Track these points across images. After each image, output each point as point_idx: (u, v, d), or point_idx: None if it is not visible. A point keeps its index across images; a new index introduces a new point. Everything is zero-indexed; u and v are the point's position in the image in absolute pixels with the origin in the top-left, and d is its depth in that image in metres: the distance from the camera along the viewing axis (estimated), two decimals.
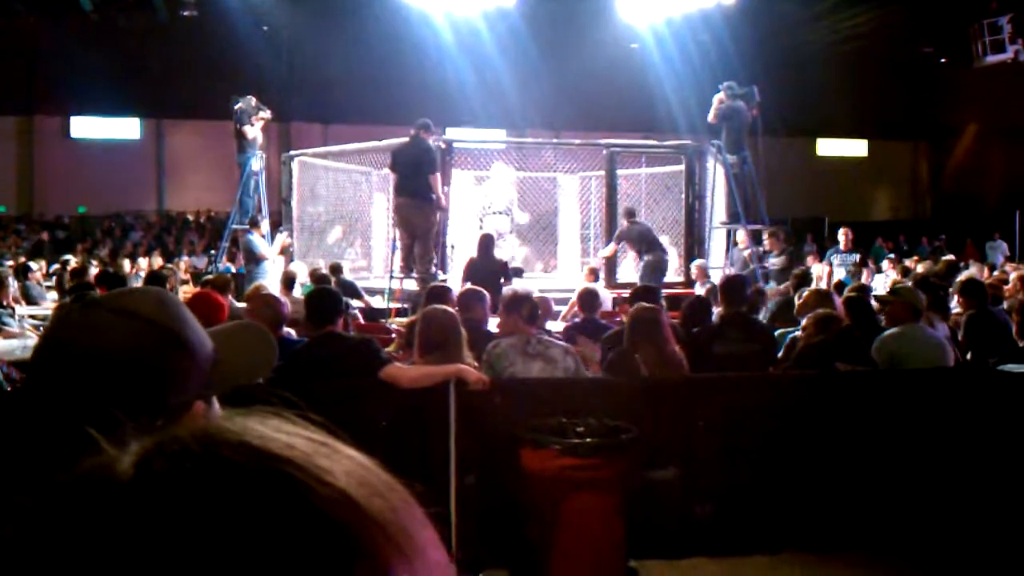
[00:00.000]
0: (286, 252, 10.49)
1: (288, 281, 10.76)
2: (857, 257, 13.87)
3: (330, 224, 15.21)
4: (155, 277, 9.59)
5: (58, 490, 0.52)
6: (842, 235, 14.03)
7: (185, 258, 19.63)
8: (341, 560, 0.50)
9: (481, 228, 13.17)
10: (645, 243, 12.81)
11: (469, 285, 8.38)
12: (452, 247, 12.86)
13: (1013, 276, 11.67)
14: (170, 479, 0.51)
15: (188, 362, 1.31)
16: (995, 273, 14.34)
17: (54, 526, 0.50)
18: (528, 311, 6.26)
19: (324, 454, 0.55)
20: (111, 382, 1.24)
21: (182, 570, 0.47)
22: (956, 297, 8.66)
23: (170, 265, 16.16)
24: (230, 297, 9.05)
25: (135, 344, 1.27)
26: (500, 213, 14.51)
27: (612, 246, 13.22)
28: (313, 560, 0.49)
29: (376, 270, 14.67)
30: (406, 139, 11.88)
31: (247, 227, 13.59)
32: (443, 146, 12.60)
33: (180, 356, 1.30)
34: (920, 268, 14.42)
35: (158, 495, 0.50)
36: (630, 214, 13.24)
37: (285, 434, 0.55)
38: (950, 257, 14.84)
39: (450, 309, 6.26)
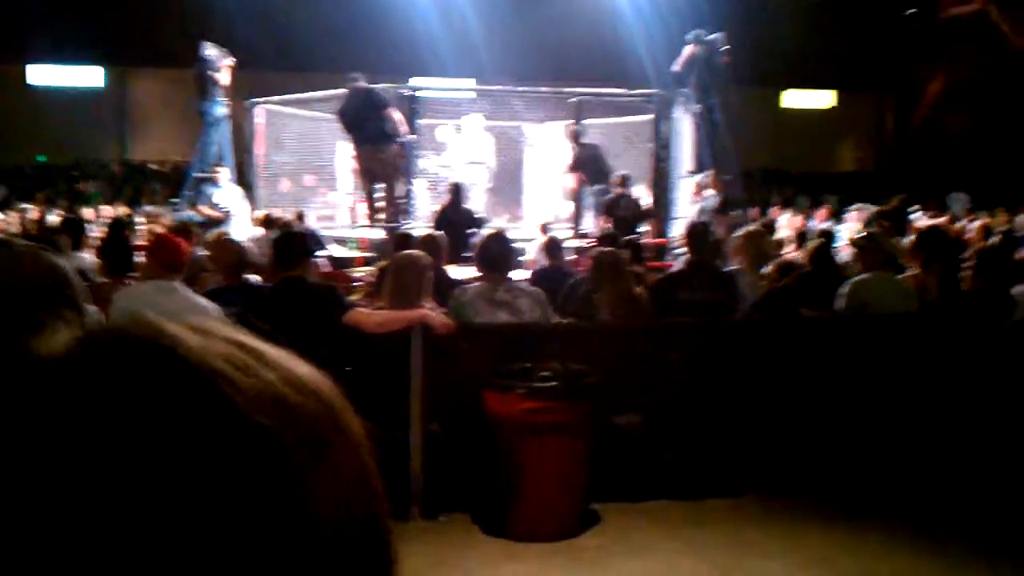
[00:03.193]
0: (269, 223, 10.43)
1: (268, 221, 10.72)
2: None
3: (294, 173, 15.08)
4: (117, 224, 9.49)
5: None
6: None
7: (151, 207, 19.38)
8: (250, 455, 0.49)
9: (456, 178, 13.12)
10: (597, 168, 12.87)
11: (431, 232, 8.37)
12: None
13: (975, 225, 11.79)
14: (75, 362, 0.51)
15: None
16: (958, 224, 14.48)
17: None
18: (495, 256, 6.26)
19: (244, 355, 0.54)
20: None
21: (61, 444, 0.48)
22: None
23: (150, 210, 15.97)
24: (194, 245, 9.00)
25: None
26: (476, 163, 14.45)
27: (571, 179, 13.29)
28: (205, 456, 0.48)
29: (341, 219, 14.58)
30: (346, 93, 11.82)
31: (209, 175, 13.42)
32: (409, 94, 12.51)
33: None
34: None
35: (60, 376, 0.50)
36: (576, 136, 13.26)
37: (210, 335, 0.54)
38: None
39: (421, 254, 6.24)
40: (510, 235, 7.12)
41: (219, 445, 0.49)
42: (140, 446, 0.48)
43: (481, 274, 6.33)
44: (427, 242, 7.46)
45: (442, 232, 7.67)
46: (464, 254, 8.92)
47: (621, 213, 11.58)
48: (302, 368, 0.56)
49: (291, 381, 0.54)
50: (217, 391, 0.50)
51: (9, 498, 0.48)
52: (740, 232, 8.25)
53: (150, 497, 0.47)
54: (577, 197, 13.71)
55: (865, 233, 7.51)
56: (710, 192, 12.82)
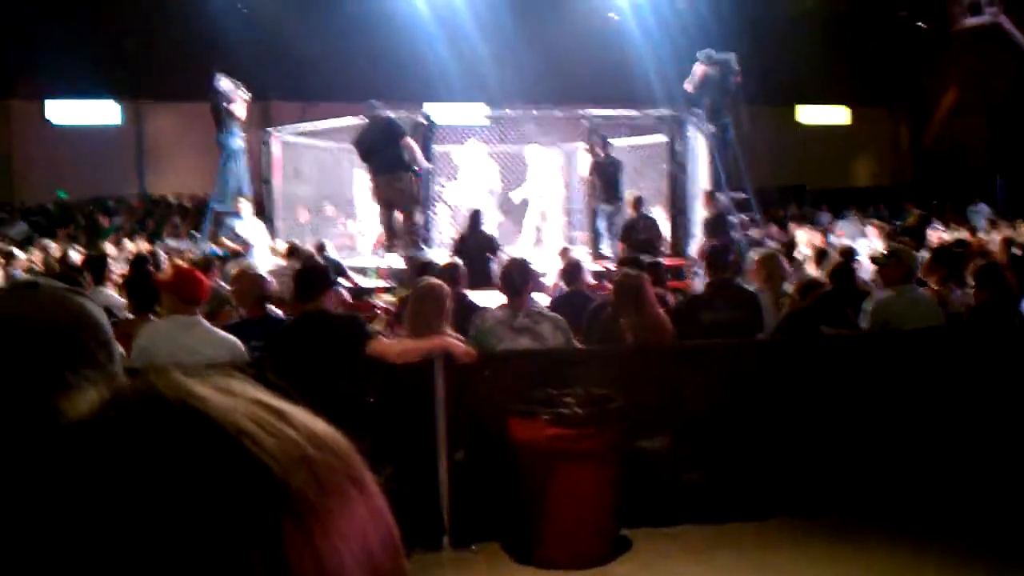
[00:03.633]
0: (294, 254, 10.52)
1: (291, 250, 10.80)
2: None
3: (313, 203, 15.15)
4: (140, 259, 9.54)
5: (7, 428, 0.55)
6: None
7: (173, 241, 19.45)
8: (265, 511, 0.51)
9: (470, 205, 13.16)
10: (609, 182, 12.93)
11: (453, 259, 8.38)
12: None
13: (997, 238, 11.73)
14: (107, 426, 0.53)
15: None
16: (979, 235, 14.41)
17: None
18: (516, 282, 6.27)
19: (265, 414, 0.56)
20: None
21: (97, 506, 0.49)
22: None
23: (171, 244, 16.04)
24: (216, 279, 9.05)
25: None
26: (484, 191, 14.50)
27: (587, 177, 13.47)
28: (236, 509, 0.50)
29: (360, 248, 14.63)
30: (362, 123, 11.88)
31: (230, 209, 13.51)
32: (424, 122, 12.56)
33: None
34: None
35: (93, 440, 0.52)
36: (602, 145, 13.53)
37: (233, 394, 0.57)
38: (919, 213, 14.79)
39: (441, 283, 6.26)
40: (528, 259, 7.16)
41: (248, 503, 0.51)
42: (173, 507, 0.50)
43: (504, 299, 6.34)
44: (448, 270, 7.48)
45: (459, 260, 7.67)
46: (484, 279, 8.93)
47: (639, 236, 11.58)
48: (319, 425, 0.59)
49: (311, 438, 0.56)
50: (245, 451, 0.53)
51: (48, 561, 0.49)
52: (755, 256, 8.26)
53: (184, 556, 0.49)
54: (592, 219, 13.75)
55: (886, 250, 7.47)
56: (744, 215, 12.91)
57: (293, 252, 10.77)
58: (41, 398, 0.56)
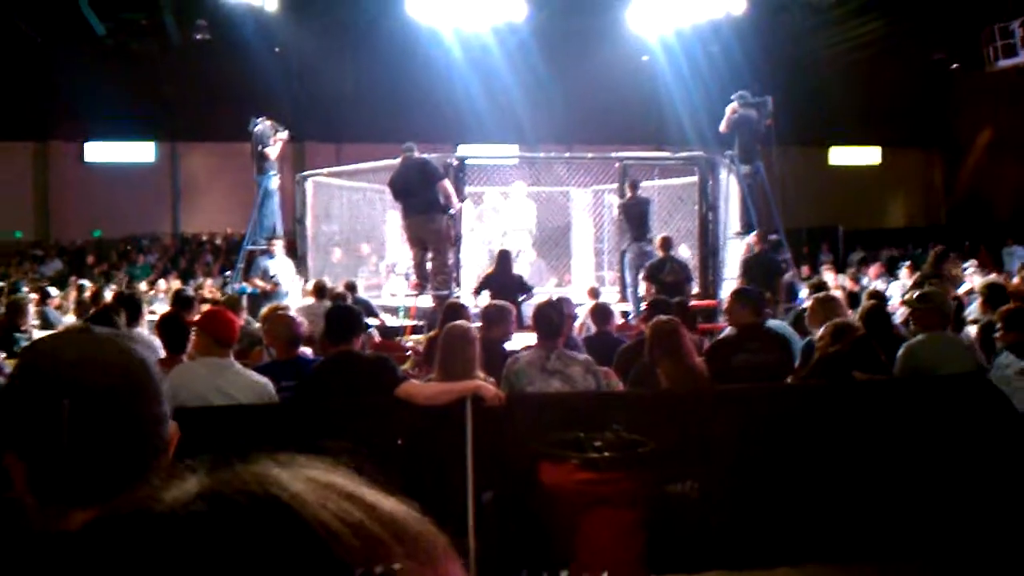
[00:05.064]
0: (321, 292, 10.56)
1: (319, 289, 10.87)
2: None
3: (345, 243, 15.27)
4: (180, 298, 9.60)
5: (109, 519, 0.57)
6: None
7: (209, 280, 19.63)
8: None
9: (502, 244, 13.20)
10: (640, 222, 12.96)
11: (494, 301, 8.36)
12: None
13: None
14: (205, 520, 0.55)
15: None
16: (1014, 280, 14.26)
17: (95, 551, 0.55)
18: (554, 323, 6.28)
19: (354, 509, 0.58)
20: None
21: None
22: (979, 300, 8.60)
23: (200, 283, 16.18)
24: (244, 315, 9.10)
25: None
26: (522, 230, 14.57)
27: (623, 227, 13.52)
28: None
29: (390, 288, 14.70)
30: (398, 163, 11.96)
31: (263, 248, 13.64)
32: (455, 163, 12.64)
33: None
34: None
35: (186, 533, 0.54)
36: (632, 187, 13.59)
37: (324, 488, 0.59)
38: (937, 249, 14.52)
39: (469, 325, 6.27)
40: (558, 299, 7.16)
41: None
42: None
43: (537, 340, 6.34)
44: (492, 312, 7.41)
45: (506, 304, 7.64)
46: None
47: (666, 278, 11.54)
48: (399, 510, 0.61)
49: (396, 531, 0.58)
50: (332, 556, 0.54)
51: None
52: (812, 299, 8.20)
53: None
54: (621, 260, 13.76)
55: (918, 293, 7.39)
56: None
57: (320, 291, 10.83)
58: (138, 470, 0.59)
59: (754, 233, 13.25)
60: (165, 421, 1.35)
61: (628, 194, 13.56)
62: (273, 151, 14.47)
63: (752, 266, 12.34)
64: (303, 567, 0.53)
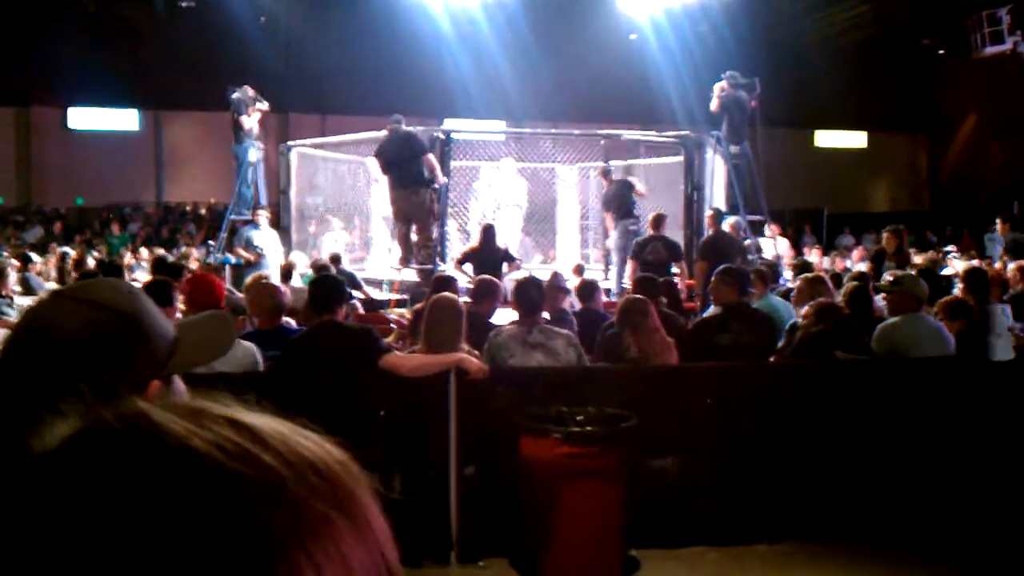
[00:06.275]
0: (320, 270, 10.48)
1: (286, 272, 10.80)
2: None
3: (329, 214, 15.17)
4: (165, 266, 9.53)
5: None
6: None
7: (194, 250, 19.50)
8: (240, 544, 0.49)
9: (492, 219, 13.16)
10: (622, 204, 12.94)
11: (484, 275, 8.35)
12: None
13: (1012, 267, 11.64)
14: (77, 456, 0.52)
15: (141, 346, 1.40)
16: (995, 265, 14.32)
17: None
18: (534, 299, 6.28)
19: (240, 439, 0.53)
20: (66, 364, 1.31)
21: (66, 541, 0.49)
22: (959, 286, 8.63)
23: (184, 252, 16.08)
24: (227, 284, 9.05)
25: (90, 329, 1.37)
26: (513, 206, 14.53)
27: (607, 217, 13.49)
28: (220, 551, 0.49)
29: (374, 261, 14.65)
30: (385, 135, 11.90)
31: (246, 218, 13.56)
32: (441, 136, 12.58)
33: (133, 340, 1.39)
34: (918, 259, 14.37)
35: (60, 471, 0.52)
36: (606, 174, 13.66)
37: (203, 419, 0.55)
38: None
39: (457, 298, 6.26)
40: (544, 276, 7.15)
41: (203, 536, 0.49)
42: (117, 543, 0.48)
43: (517, 316, 6.33)
44: (481, 287, 7.40)
45: (495, 279, 7.63)
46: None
47: (647, 257, 11.49)
48: (306, 443, 0.56)
49: (291, 461, 0.53)
50: (201, 479, 0.50)
51: None
52: (800, 279, 8.23)
53: None
54: (605, 238, 13.79)
55: (892, 277, 7.40)
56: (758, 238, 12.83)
57: (320, 269, 10.71)
58: (12, 432, 0.56)
59: (708, 215, 13.05)
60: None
61: (604, 185, 13.62)
62: (249, 121, 14.28)
63: (711, 248, 12.08)
64: (168, 496, 0.49)
